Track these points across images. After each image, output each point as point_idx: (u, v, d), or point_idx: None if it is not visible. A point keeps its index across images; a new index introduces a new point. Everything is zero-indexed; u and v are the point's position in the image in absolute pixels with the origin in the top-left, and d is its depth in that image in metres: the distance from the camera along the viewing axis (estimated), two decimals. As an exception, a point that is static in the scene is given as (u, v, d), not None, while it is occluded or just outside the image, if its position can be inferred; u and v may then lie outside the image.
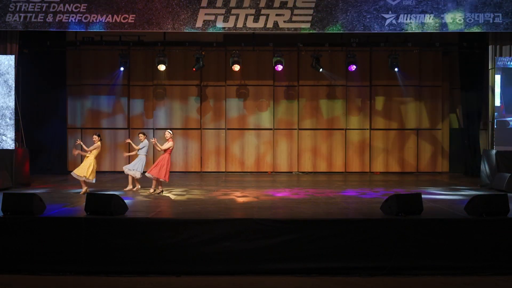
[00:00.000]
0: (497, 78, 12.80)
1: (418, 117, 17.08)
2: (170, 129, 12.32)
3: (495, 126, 12.84)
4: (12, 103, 12.62)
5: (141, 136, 11.79)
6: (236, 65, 15.64)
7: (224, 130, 17.08)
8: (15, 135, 12.73)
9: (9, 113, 12.59)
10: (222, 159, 17.09)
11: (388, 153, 17.13)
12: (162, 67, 15.53)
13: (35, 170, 15.37)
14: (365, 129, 17.12)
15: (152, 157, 16.13)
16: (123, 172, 12.04)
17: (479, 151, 15.22)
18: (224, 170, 17.03)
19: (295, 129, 17.14)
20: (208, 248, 7.42)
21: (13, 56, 12.70)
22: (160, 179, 10.99)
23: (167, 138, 11.17)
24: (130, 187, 11.68)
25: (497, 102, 12.84)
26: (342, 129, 17.11)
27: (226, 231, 7.49)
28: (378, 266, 7.36)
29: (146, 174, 11.13)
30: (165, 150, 11.05)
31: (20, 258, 7.42)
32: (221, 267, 7.36)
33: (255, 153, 17.13)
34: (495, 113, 12.86)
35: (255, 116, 17.11)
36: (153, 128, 16.94)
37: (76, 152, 11.60)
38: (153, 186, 11.14)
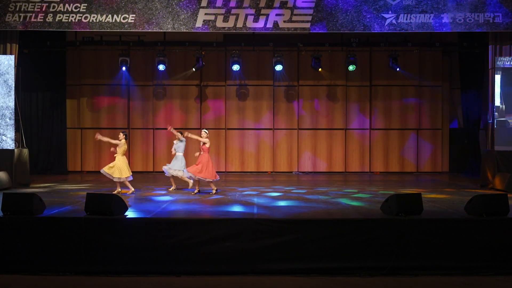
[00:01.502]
0: (497, 78, 12.80)
1: (418, 117, 17.07)
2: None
3: (495, 126, 12.85)
4: (12, 103, 12.62)
5: (179, 135, 11.84)
6: (236, 65, 15.65)
7: (224, 130, 17.08)
8: (15, 135, 12.73)
9: (9, 113, 12.59)
10: (222, 159, 17.08)
11: (388, 153, 17.14)
12: (162, 67, 15.56)
13: (35, 170, 15.39)
14: (364, 129, 17.11)
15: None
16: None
17: (479, 151, 15.21)
18: (224, 170, 17.02)
19: (295, 129, 17.14)
20: (208, 248, 7.41)
21: (13, 56, 12.70)
22: (207, 180, 10.97)
23: (204, 137, 11.15)
24: (174, 187, 11.74)
25: (497, 102, 12.85)
26: (342, 129, 17.11)
27: (226, 231, 7.48)
28: (378, 266, 7.35)
29: (196, 177, 11.06)
30: (204, 143, 11.00)
31: (20, 258, 7.41)
32: (221, 267, 7.35)
33: (255, 153, 17.12)
34: (495, 113, 12.87)
35: (255, 116, 17.10)
36: (152, 128, 16.95)
37: (99, 137, 11.50)
38: (196, 186, 11.13)
